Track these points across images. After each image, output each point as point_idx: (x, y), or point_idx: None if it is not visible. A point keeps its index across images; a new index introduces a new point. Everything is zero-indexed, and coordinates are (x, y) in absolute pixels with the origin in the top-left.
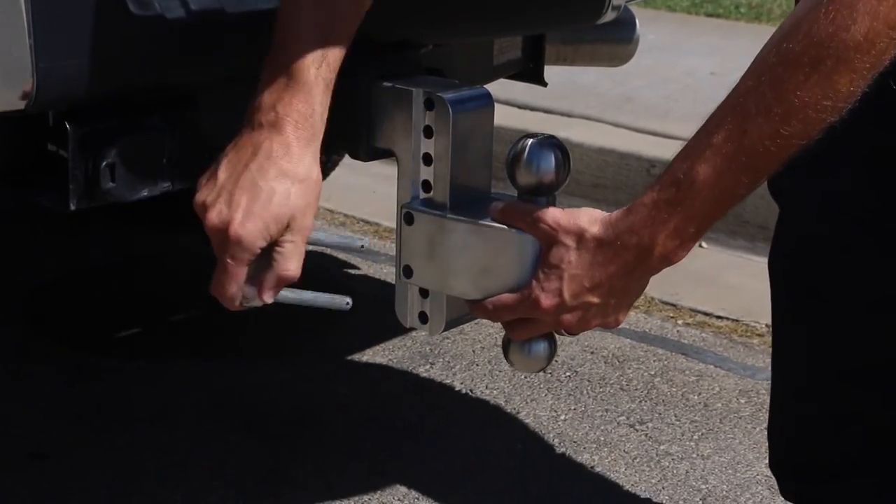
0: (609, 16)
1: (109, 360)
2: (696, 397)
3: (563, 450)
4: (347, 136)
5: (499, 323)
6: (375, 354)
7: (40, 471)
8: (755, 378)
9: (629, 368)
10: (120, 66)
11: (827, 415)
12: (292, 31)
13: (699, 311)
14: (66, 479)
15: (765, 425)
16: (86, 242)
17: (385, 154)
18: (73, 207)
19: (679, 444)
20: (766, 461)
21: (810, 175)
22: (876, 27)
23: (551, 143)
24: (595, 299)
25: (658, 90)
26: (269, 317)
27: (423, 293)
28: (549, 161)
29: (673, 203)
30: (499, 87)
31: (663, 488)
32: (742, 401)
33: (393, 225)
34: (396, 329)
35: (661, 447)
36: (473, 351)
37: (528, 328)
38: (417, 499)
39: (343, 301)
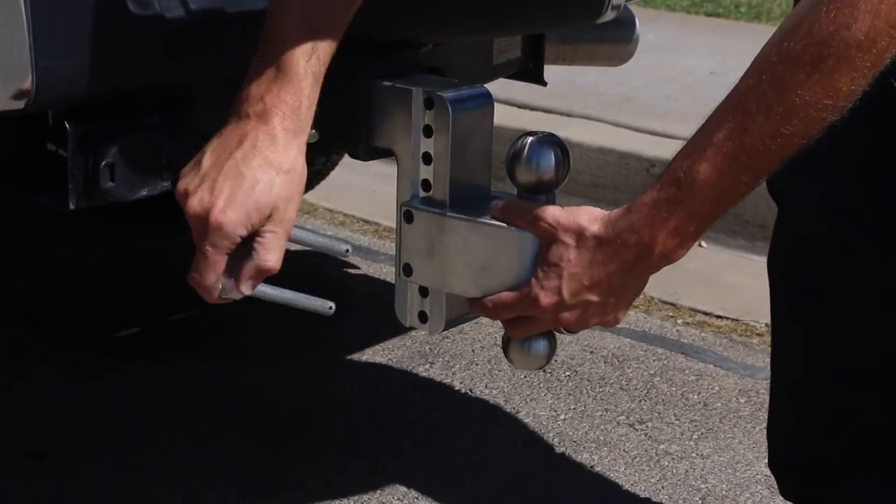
0: (609, 15)
1: (109, 360)
2: (695, 397)
3: (562, 449)
4: (347, 135)
5: (498, 321)
6: (375, 354)
7: (40, 470)
8: (755, 377)
9: (629, 368)
10: (119, 65)
11: (826, 414)
12: (281, 23)
13: (699, 311)
14: (66, 478)
15: (764, 425)
16: (85, 242)
17: (385, 153)
18: (72, 207)
19: (679, 443)
20: (766, 461)
21: (810, 174)
22: (877, 26)
23: (551, 141)
24: (594, 297)
25: (658, 90)
26: (269, 317)
27: (423, 292)
28: (549, 159)
29: (673, 202)
30: (498, 87)
31: (663, 488)
32: (742, 400)
33: (392, 224)
34: (396, 329)
35: (661, 447)
36: (473, 350)
37: (528, 326)
38: (417, 498)
39: (326, 305)
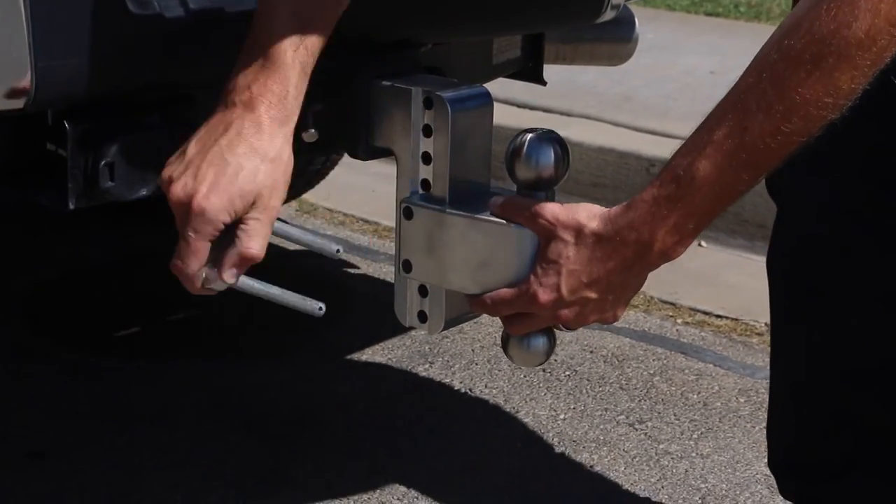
0: (608, 15)
1: (109, 360)
2: (695, 396)
3: (562, 449)
4: (347, 134)
5: (498, 320)
6: (375, 354)
7: (40, 470)
8: (754, 377)
9: (628, 367)
10: (119, 65)
11: (826, 414)
12: (270, 15)
13: (698, 310)
14: (66, 478)
15: (764, 424)
16: (85, 242)
17: (384, 153)
18: (72, 206)
19: (678, 443)
20: (766, 460)
21: (809, 174)
22: (877, 24)
23: (550, 137)
24: (593, 295)
25: (657, 89)
26: (269, 317)
27: (422, 292)
28: (549, 156)
29: (673, 199)
30: (498, 86)
31: (662, 487)
32: (741, 400)
33: (392, 224)
34: (396, 328)
35: (661, 446)
36: (472, 350)
37: (526, 323)
38: (417, 498)
39: (315, 306)
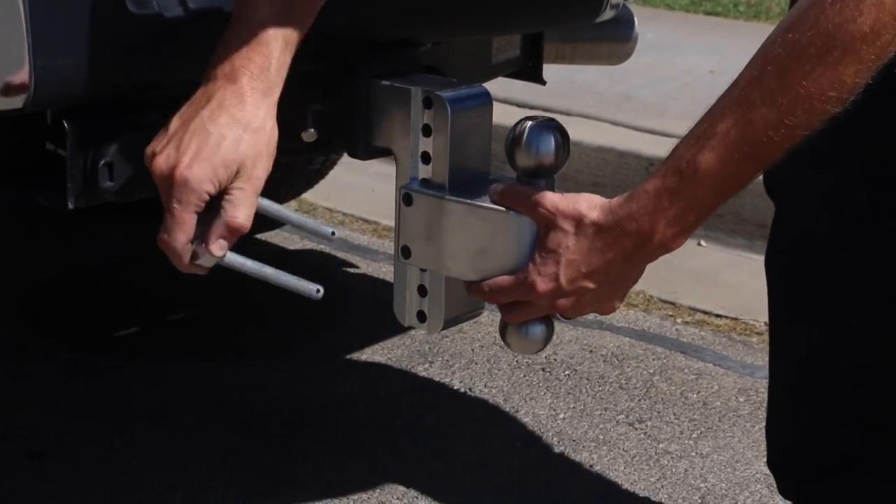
0: (607, 14)
1: (108, 360)
2: (694, 396)
3: (561, 448)
4: (346, 134)
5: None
6: (374, 353)
7: (39, 470)
8: (754, 376)
9: (628, 367)
10: (118, 64)
11: (825, 413)
12: None
13: (698, 310)
14: (65, 478)
15: (763, 424)
16: (84, 242)
17: (383, 153)
18: (71, 206)
19: (678, 442)
20: (765, 460)
21: (807, 173)
22: (882, 19)
23: (551, 125)
24: (591, 285)
25: (657, 88)
26: (269, 317)
27: (422, 292)
28: (549, 143)
29: (675, 191)
30: (497, 86)
31: (662, 487)
32: (741, 399)
33: (392, 224)
34: (395, 328)
35: (660, 445)
36: (472, 350)
37: (524, 311)
38: (416, 497)
39: (312, 288)
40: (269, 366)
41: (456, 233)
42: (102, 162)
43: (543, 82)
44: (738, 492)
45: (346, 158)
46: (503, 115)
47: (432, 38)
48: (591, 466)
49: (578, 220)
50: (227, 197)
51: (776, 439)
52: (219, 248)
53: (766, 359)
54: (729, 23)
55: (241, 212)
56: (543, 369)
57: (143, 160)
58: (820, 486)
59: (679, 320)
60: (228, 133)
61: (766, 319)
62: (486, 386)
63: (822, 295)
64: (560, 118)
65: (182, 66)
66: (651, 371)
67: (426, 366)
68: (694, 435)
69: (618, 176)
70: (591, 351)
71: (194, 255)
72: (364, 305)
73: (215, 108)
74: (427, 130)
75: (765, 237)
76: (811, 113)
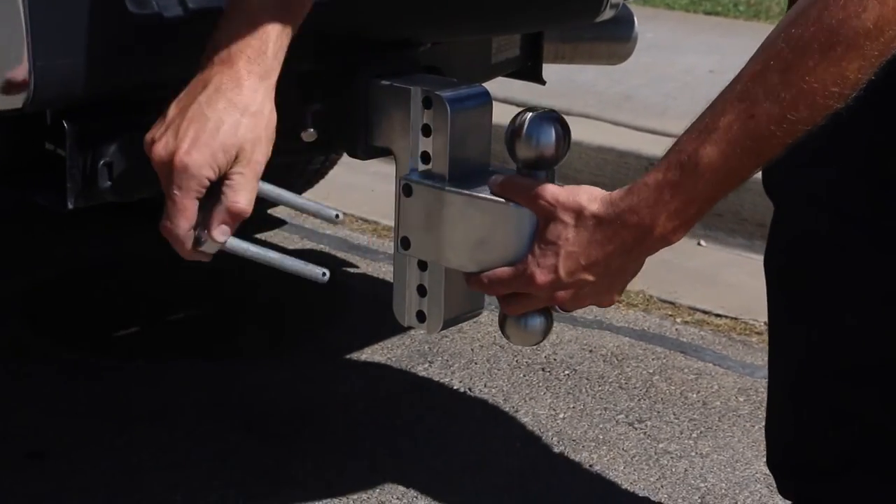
0: (607, 14)
1: (108, 360)
2: (694, 395)
3: (561, 448)
4: (346, 134)
5: (497, 319)
6: (374, 353)
7: (39, 470)
8: (754, 376)
9: (628, 367)
10: (118, 64)
11: (825, 413)
12: None
13: (698, 310)
14: (65, 478)
15: (763, 423)
16: (84, 242)
17: (383, 152)
18: (70, 206)
19: (678, 442)
20: (765, 459)
21: (806, 172)
22: (885, 15)
23: (551, 116)
24: (590, 277)
25: (657, 88)
26: (269, 317)
27: (421, 292)
28: (549, 135)
29: (676, 184)
30: (497, 86)
31: (662, 486)
32: (741, 399)
33: (392, 224)
34: (395, 328)
35: (660, 445)
36: (472, 349)
37: (523, 303)
38: (416, 497)
39: (318, 271)
40: (269, 366)
41: (455, 224)
42: (102, 162)
43: (543, 82)
44: (737, 492)
45: (345, 158)
46: (503, 115)
47: (432, 38)
48: (590, 466)
49: (579, 212)
50: (227, 182)
51: (776, 439)
52: (221, 233)
53: (766, 358)
54: (729, 22)
55: (242, 196)
56: (543, 369)
57: (142, 160)
58: (820, 486)
59: (679, 320)
60: (226, 117)
61: (766, 319)
62: (485, 386)
63: (822, 295)
64: None
65: (182, 66)
66: (651, 371)
67: (426, 366)
68: (694, 435)
69: (618, 176)
70: (590, 351)
71: (197, 242)
72: (364, 305)
73: (212, 93)
74: (427, 130)
75: (764, 237)
76: (814, 108)
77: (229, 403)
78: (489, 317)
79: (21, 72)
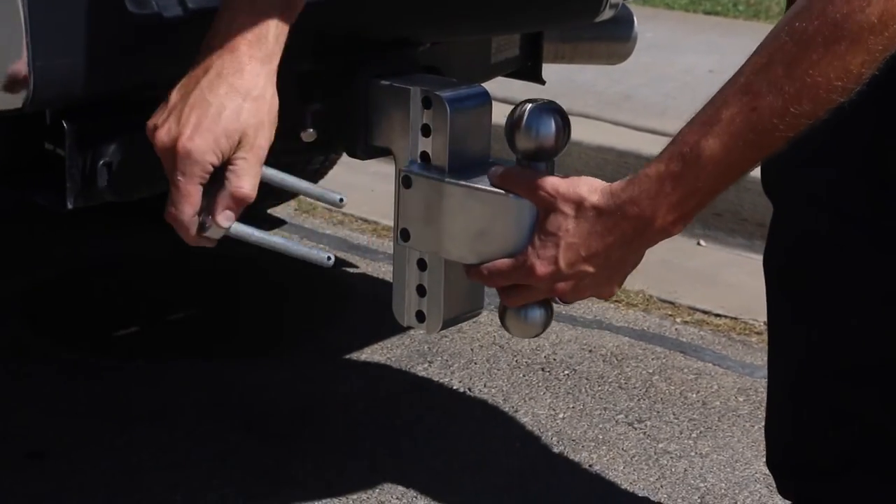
0: (607, 13)
1: (108, 360)
2: (694, 395)
3: (561, 448)
4: (345, 134)
5: (497, 318)
6: (374, 353)
7: (39, 470)
8: (753, 376)
9: (627, 367)
10: (117, 64)
11: (825, 413)
12: None
13: (697, 309)
14: (65, 478)
15: (763, 423)
16: (84, 242)
17: (383, 152)
18: (70, 206)
19: (677, 442)
20: (765, 459)
21: (806, 171)
22: (890, 9)
23: (551, 108)
24: (590, 269)
25: (656, 88)
26: (269, 317)
27: (421, 291)
28: (549, 126)
29: (677, 176)
30: (497, 86)
31: (662, 486)
32: (740, 399)
33: (391, 223)
34: (395, 328)
35: (660, 445)
36: (472, 349)
37: (523, 295)
38: (416, 497)
39: (323, 256)
40: (269, 366)
41: (455, 215)
42: (101, 162)
43: (543, 82)
44: (737, 491)
45: (345, 158)
46: (503, 115)
47: (432, 38)
48: (590, 466)
49: (579, 204)
50: (230, 167)
51: (776, 439)
52: (225, 219)
53: (766, 358)
54: (728, 22)
55: (245, 182)
56: (543, 369)
57: (142, 160)
58: (820, 486)
59: (678, 320)
60: (228, 102)
61: (766, 319)
62: (485, 386)
63: (822, 295)
64: None
65: (182, 66)
66: (650, 371)
67: (425, 366)
68: (693, 435)
69: (618, 175)
70: (590, 351)
71: (202, 227)
72: (364, 305)
73: (214, 79)
74: (426, 130)
75: (764, 236)
76: (817, 102)
77: (229, 403)
78: (489, 317)
79: (21, 71)
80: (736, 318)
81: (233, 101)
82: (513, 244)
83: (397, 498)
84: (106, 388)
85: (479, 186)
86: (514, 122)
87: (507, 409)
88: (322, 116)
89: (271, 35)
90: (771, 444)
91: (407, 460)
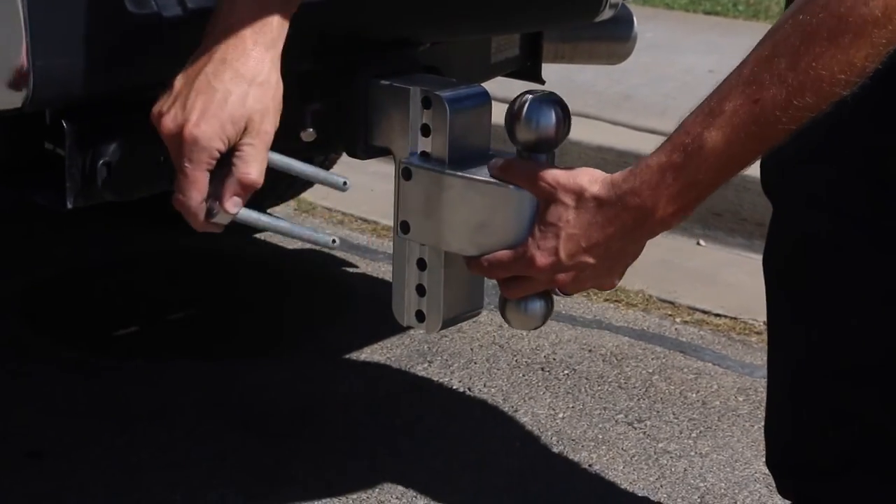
0: (607, 13)
1: (108, 360)
2: (694, 395)
3: (561, 448)
4: (345, 134)
5: (497, 317)
6: (374, 353)
7: (38, 470)
8: (753, 376)
9: (627, 366)
10: (117, 64)
11: (824, 413)
12: None
13: (697, 309)
14: (64, 478)
15: (763, 423)
16: (83, 241)
17: (383, 152)
18: (69, 206)
19: (677, 441)
20: (764, 459)
21: (805, 173)
22: (893, 3)
23: (551, 99)
24: (591, 260)
25: (656, 88)
26: (269, 317)
27: (420, 291)
28: (549, 117)
29: (679, 168)
30: (496, 86)
31: (661, 486)
32: (740, 398)
33: (391, 223)
34: (395, 327)
35: (660, 445)
36: (471, 349)
37: (524, 286)
38: (415, 497)
39: (328, 238)
40: (269, 366)
41: (455, 207)
42: (101, 161)
43: (542, 82)
44: (737, 491)
45: (345, 158)
46: (502, 115)
47: (432, 38)
48: (590, 466)
49: (579, 194)
50: (237, 153)
51: (775, 439)
52: (233, 205)
53: (766, 358)
54: (728, 22)
55: (252, 168)
56: (542, 369)
57: (142, 160)
58: (819, 486)
59: (678, 320)
60: (234, 88)
61: (765, 319)
62: (485, 385)
63: (822, 295)
64: None
65: (181, 66)
66: (650, 370)
67: (425, 365)
68: (693, 434)
69: None
70: (590, 350)
71: (209, 213)
72: (364, 305)
73: (218, 65)
74: (426, 130)
75: (764, 236)
76: (820, 95)
77: (229, 403)
78: (489, 317)
79: (20, 71)
80: (736, 318)
81: (238, 87)
82: (513, 236)
83: (397, 497)
84: (105, 388)
85: (480, 178)
86: (514, 114)
87: (506, 408)
88: (322, 116)
89: (275, 21)
90: (771, 444)
91: (406, 460)
